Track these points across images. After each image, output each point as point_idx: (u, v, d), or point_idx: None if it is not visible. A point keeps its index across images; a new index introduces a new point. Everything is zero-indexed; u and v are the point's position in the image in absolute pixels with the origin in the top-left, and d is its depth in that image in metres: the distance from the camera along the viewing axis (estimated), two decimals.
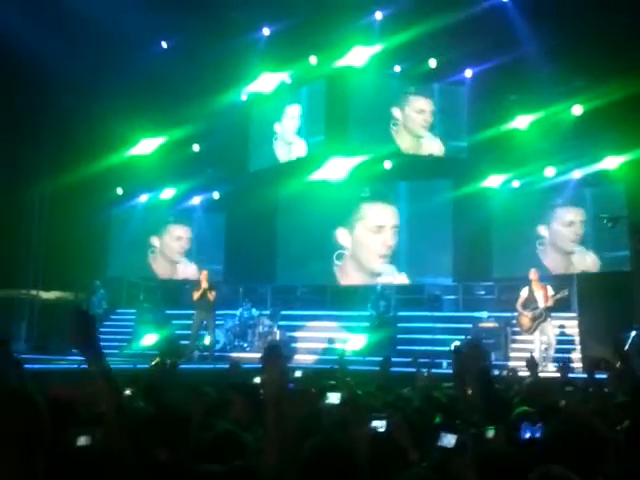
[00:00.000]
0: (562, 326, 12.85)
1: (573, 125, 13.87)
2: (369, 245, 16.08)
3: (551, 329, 11.92)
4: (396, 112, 16.23)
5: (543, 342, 11.78)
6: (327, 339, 14.10)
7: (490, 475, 2.90)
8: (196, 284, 13.86)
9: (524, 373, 9.01)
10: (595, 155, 13.56)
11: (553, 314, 12.22)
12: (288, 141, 17.26)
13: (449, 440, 3.62)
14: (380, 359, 8.94)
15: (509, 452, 3.42)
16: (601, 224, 11.51)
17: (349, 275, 16.16)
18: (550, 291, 12.00)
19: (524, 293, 12.10)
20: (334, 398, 5.06)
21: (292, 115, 17.30)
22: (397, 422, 3.93)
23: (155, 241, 17.50)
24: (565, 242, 14.29)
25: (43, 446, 1.10)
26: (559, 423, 4.41)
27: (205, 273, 13.84)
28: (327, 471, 2.47)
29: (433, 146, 16.02)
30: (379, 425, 3.44)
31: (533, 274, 12.27)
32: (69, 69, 13.49)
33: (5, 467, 1.06)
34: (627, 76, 12.07)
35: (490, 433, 4.05)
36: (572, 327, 13.05)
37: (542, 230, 14.50)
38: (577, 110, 13.93)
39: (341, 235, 16.27)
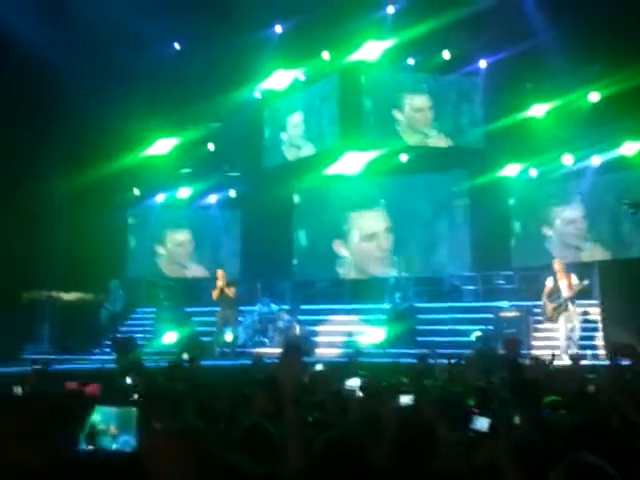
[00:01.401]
0: (585, 312, 12.76)
1: (590, 112, 13.74)
2: (367, 252, 16.21)
3: (575, 316, 11.85)
4: (397, 114, 16.19)
5: (568, 329, 11.72)
6: (346, 332, 14.10)
7: (523, 460, 2.90)
8: (214, 283, 13.95)
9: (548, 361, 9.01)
10: (613, 141, 13.45)
11: (577, 301, 12.15)
12: (297, 146, 17.27)
13: (482, 423, 3.62)
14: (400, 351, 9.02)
15: (541, 438, 3.42)
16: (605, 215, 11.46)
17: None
18: (574, 280, 11.94)
19: (549, 283, 12.08)
20: (354, 382, 5.12)
21: (295, 123, 17.30)
22: (424, 398, 3.95)
23: (160, 249, 17.57)
24: (571, 239, 14.26)
25: None
26: (591, 409, 4.41)
27: (221, 271, 13.92)
28: (338, 466, 2.44)
29: (439, 143, 15.95)
30: (406, 400, 3.45)
31: (557, 264, 12.21)
32: (85, 70, 13.60)
33: None
34: None
35: (516, 419, 4.06)
36: (594, 314, 12.97)
37: (546, 230, 14.46)
38: (594, 97, 13.80)
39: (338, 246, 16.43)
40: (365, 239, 16.35)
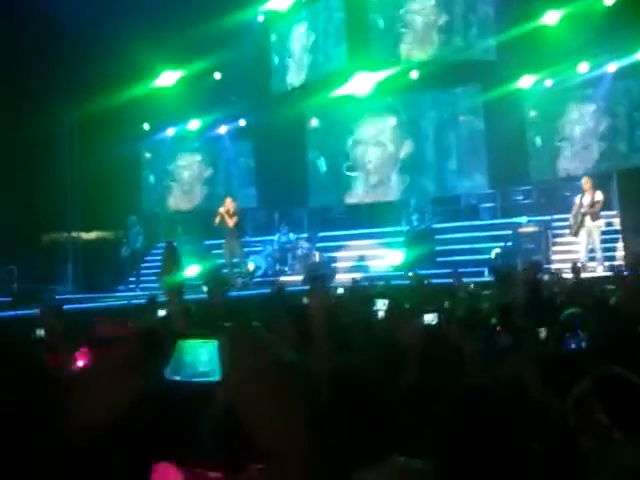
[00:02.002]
0: (609, 224, 12.69)
1: (605, 16, 13.25)
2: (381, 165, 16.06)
3: (596, 231, 11.78)
4: (405, 29, 15.71)
5: (589, 243, 11.68)
6: (365, 257, 14.16)
7: (548, 373, 2.92)
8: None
9: (567, 275, 9.03)
10: (630, 47, 13.04)
11: None
12: (305, 69, 16.88)
13: (506, 340, 3.66)
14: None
15: (569, 353, 3.44)
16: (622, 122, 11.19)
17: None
18: (598, 197, 11.83)
19: (577, 200, 12.00)
20: (381, 304, 5.19)
21: (301, 45, 16.87)
22: (448, 317, 3.98)
23: (174, 183, 17.51)
24: (588, 148, 14.04)
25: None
26: (614, 321, 4.41)
27: (229, 199, 13.37)
28: (348, 400, 2.42)
29: (450, 56, 15.51)
30: (430, 319, 3.48)
31: (585, 181, 12.08)
32: (91, 2, 13.30)
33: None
34: None
35: (543, 334, 4.09)
36: (614, 225, 12.90)
37: (563, 141, 14.22)
38: (609, 0, 13.30)
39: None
40: (380, 159, 16.15)
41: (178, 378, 1.55)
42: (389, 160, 16.06)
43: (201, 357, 1.69)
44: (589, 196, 11.88)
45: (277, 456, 1.06)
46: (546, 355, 3.18)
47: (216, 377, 1.45)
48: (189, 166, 17.70)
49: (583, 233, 11.82)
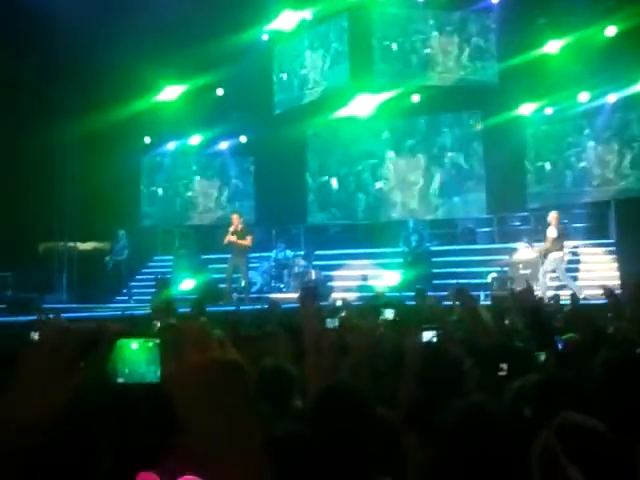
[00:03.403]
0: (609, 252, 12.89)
1: (606, 47, 13.40)
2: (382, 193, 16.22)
3: (555, 262, 12.04)
4: (408, 53, 15.90)
5: (551, 271, 12.12)
6: (361, 277, 14.15)
7: (549, 400, 2.92)
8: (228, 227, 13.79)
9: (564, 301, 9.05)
10: (631, 77, 13.18)
11: (592, 241, 12.71)
12: (307, 88, 17.02)
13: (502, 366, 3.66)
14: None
15: (568, 378, 3.44)
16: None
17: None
18: (551, 233, 12.13)
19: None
20: (389, 314, 5.21)
21: (304, 65, 17.05)
22: (448, 332, 3.98)
23: (174, 197, 17.56)
24: (587, 177, 14.25)
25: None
26: (611, 350, 4.42)
27: (236, 216, 13.55)
28: (332, 414, 2.40)
29: (452, 82, 15.67)
30: (430, 335, 3.48)
31: (551, 216, 12.33)
32: (94, 16, 13.37)
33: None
34: None
35: (542, 357, 4.10)
36: (610, 254, 12.95)
37: (562, 169, 14.47)
38: (610, 31, 13.47)
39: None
40: (380, 180, 16.25)
41: (120, 380, 1.53)
42: (388, 181, 16.13)
43: (141, 357, 1.66)
44: (551, 230, 12.18)
45: (215, 455, 1.04)
46: (546, 379, 3.18)
47: (155, 378, 1.44)
48: (188, 180, 17.73)
49: (546, 262, 12.09)
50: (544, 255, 12.18)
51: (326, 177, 16.65)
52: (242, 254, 13.33)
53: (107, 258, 14.63)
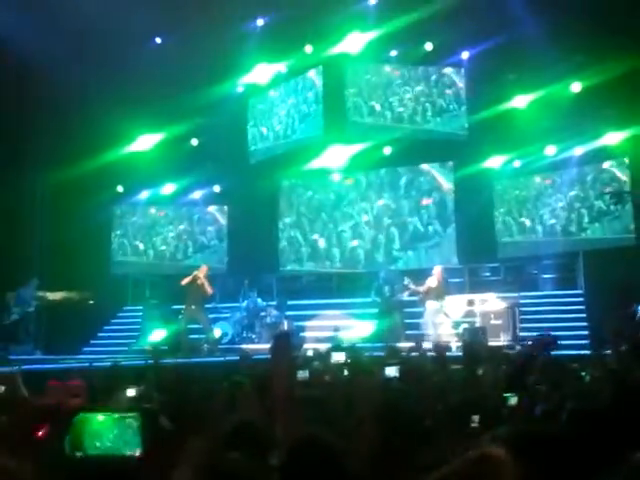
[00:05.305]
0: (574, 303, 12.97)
1: (572, 102, 13.83)
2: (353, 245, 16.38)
3: (434, 312, 12.64)
4: (380, 107, 16.21)
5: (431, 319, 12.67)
6: (333, 327, 14.06)
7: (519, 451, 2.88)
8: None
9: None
10: (596, 132, 13.53)
11: (560, 292, 12.88)
12: (281, 140, 17.21)
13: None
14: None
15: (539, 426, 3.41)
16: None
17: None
18: (431, 282, 12.79)
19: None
20: (339, 357, 5.13)
21: (278, 117, 17.27)
22: (409, 368, 3.94)
23: (145, 246, 17.46)
24: (554, 229, 14.51)
25: None
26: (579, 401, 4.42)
27: (205, 267, 13.80)
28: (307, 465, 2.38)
29: (423, 135, 15.96)
30: (392, 372, 3.44)
31: (435, 270, 13.04)
32: (67, 65, 13.44)
33: None
34: (626, 51, 12.03)
35: (513, 400, 4.09)
36: (579, 304, 13.07)
37: (531, 221, 14.78)
38: (576, 87, 13.89)
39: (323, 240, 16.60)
40: (351, 232, 16.34)
41: (79, 454, 1.48)
42: (359, 232, 16.22)
43: (107, 431, 1.62)
44: (431, 279, 12.76)
45: None
46: (525, 430, 3.15)
47: (126, 451, 1.40)
48: (161, 230, 17.63)
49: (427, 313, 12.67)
50: (421, 302, 12.85)
51: (297, 228, 16.70)
52: (201, 303, 13.37)
53: (12, 306, 14.04)
